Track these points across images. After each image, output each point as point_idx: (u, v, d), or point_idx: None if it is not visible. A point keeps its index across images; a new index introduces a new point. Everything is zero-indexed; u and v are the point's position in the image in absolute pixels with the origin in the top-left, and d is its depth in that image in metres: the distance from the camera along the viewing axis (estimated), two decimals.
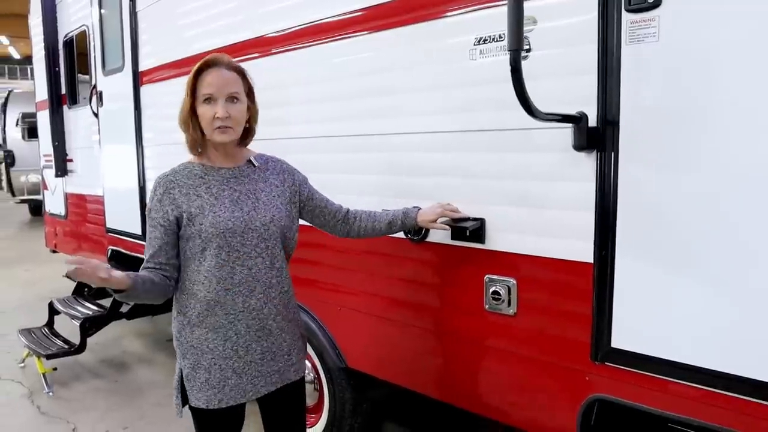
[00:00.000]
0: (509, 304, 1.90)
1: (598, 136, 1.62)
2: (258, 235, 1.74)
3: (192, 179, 1.74)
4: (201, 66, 1.70)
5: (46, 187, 5.81)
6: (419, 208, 2.01)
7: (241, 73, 1.74)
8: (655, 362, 1.59)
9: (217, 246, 1.69)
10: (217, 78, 1.68)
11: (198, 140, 1.73)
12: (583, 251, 1.69)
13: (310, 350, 2.64)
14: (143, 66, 3.80)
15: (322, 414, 2.75)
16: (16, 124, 12.07)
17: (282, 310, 1.82)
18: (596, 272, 1.67)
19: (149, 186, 3.88)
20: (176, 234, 1.72)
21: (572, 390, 1.79)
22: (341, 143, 2.41)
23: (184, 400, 1.80)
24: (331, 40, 2.38)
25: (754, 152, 1.38)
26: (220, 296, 1.71)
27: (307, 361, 2.63)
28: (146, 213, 1.75)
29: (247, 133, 1.80)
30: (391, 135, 2.21)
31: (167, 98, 3.59)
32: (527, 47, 1.74)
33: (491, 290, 1.94)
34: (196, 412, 1.79)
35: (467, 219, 1.96)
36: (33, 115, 11.82)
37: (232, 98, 1.70)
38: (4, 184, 12.90)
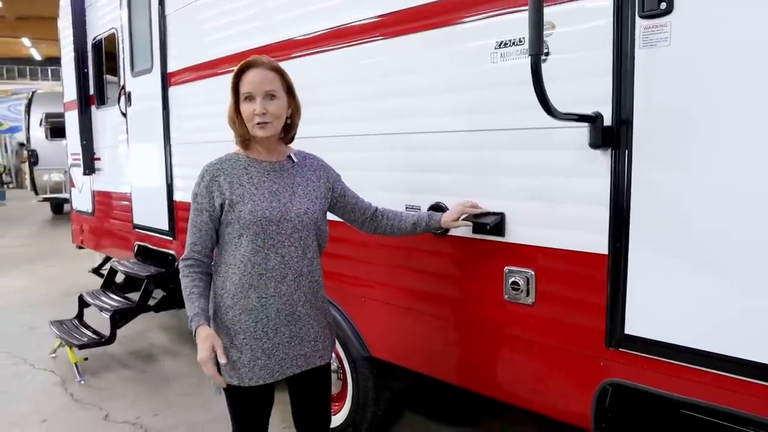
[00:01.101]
0: (528, 294, 2.01)
1: (613, 135, 1.72)
2: (292, 225, 1.86)
3: (236, 169, 1.87)
4: (241, 67, 1.83)
5: (73, 185, 6.00)
6: (443, 211, 2.14)
7: (279, 72, 1.86)
8: (667, 347, 1.69)
9: (254, 233, 1.82)
10: (255, 77, 1.81)
11: (245, 135, 1.87)
12: (598, 243, 1.79)
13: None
14: (171, 68, 3.95)
15: (346, 402, 2.87)
16: (40, 124, 12.34)
17: (311, 298, 1.94)
18: (610, 263, 1.77)
19: (176, 183, 4.04)
20: (218, 220, 1.86)
21: (587, 375, 1.89)
22: (367, 142, 2.53)
23: None
24: (358, 44, 2.49)
25: (760, 151, 1.48)
26: (253, 280, 1.84)
27: None
28: (192, 198, 1.88)
29: (290, 129, 1.93)
30: (416, 134, 2.32)
31: (195, 99, 3.74)
32: (546, 51, 1.85)
33: (510, 281, 2.04)
34: (229, 390, 1.91)
35: (488, 214, 2.07)
36: (56, 115, 12.17)
37: (269, 95, 1.82)
38: (28, 182, 13.18)
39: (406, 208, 2.38)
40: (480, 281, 2.16)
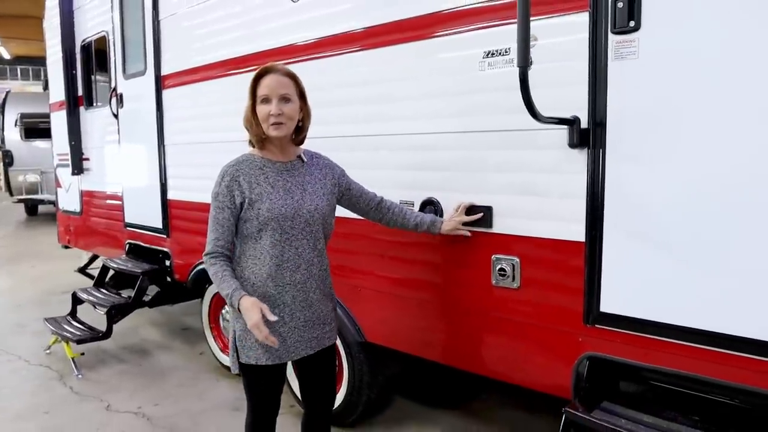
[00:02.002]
0: (513, 279, 2.23)
1: (589, 137, 1.96)
2: (304, 220, 2.05)
3: (253, 169, 2.04)
4: (260, 72, 2.01)
5: (59, 185, 6.05)
6: (435, 207, 2.40)
7: (293, 78, 2.05)
8: (636, 322, 1.93)
9: (272, 228, 2.00)
10: (272, 81, 1.99)
11: (261, 135, 2.03)
12: (577, 232, 2.03)
13: None
14: (166, 71, 4.08)
15: (342, 386, 3.05)
16: (15, 125, 12.21)
17: (321, 285, 2.14)
18: (587, 250, 2.00)
19: (170, 183, 4.17)
20: (238, 216, 2.03)
21: (567, 350, 2.12)
22: (368, 142, 2.72)
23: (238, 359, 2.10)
24: (360, 51, 2.68)
25: (717, 149, 1.73)
26: (271, 270, 2.02)
27: None
28: (213, 197, 2.03)
29: (300, 131, 2.11)
30: (412, 135, 2.52)
31: (189, 101, 3.88)
32: (530, 62, 2.07)
33: (498, 268, 2.26)
34: (246, 369, 2.09)
35: (478, 211, 2.30)
36: (32, 116, 12.08)
37: (284, 98, 2.00)
38: (2, 183, 13.02)
39: (401, 203, 2.58)
40: (470, 269, 2.38)
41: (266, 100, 1.98)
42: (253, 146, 2.10)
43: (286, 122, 2.01)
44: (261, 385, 2.13)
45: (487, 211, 2.27)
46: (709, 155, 1.74)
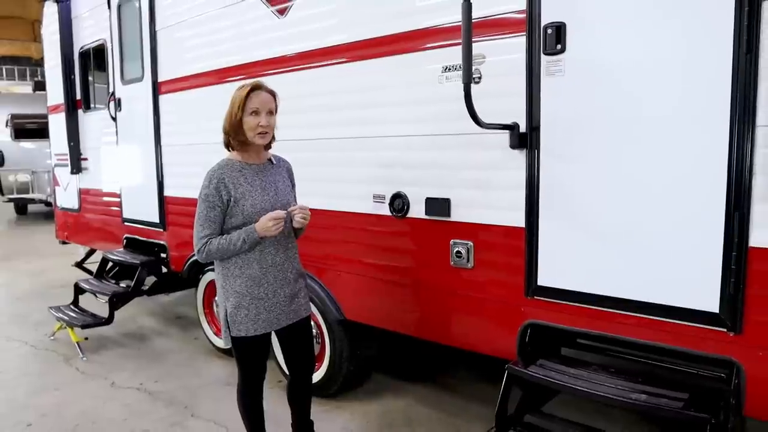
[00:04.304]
0: (468, 260, 2.63)
1: (527, 139, 2.36)
2: None
3: (234, 172, 2.41)
4: (252, 88, 2.37)
5: (57, 184, 6.37)
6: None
7: (274, 95, 2.43)
8: (567, 293, 2.34)
9: (255, 221, 2.37)
10: (262, 97, 2.37)
11: (246, 142, 2.40)
12: (518, 219, 2.43)
13: (314, 309, 3.33)
14: (162, 77, 4.44)
15: (324, 361, 3.44)
16: (6, 125, 12.43)
17: (295, 266, 2.55)
18: (526, 233, 2.41)
19: (167, 181, 4.53)
20: (225, 212, 2.39)
21: (512, 319, 2.52)
22: (342, 144, 3.11)
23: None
24: (340, 63, 3.07)
25: (624, 148, 2.14)
26: (255, 255, 2.41)
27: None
28: (202, 198, 2.37)
29: (272, 139, 2.49)
30: (381, 138, 2.92)
31: (184, 106, 4.24)
32: (479, 76, 2.47)
33: (455, 251, 2.66)
34: (238, 341, 2.47)
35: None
36: (22, 117, 12.31)
37: (270, 113, 2.39)
38: None
39: (374, 197, 2.97)
40: (432, 252, 2.78)
41: (256, 113, 2.35)
42: (230, 148, 2.46)
43: (270, 132, 2.41)
44: (250, 353, 2.51)
45: (446, 202, 2.67)
46: (618, 153, 2.16)
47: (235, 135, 2.41)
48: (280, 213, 2.33)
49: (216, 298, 4.27)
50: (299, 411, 2.74)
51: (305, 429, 2.77)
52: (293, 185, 2.63)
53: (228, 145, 2.47)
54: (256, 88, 2.38)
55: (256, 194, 2.40)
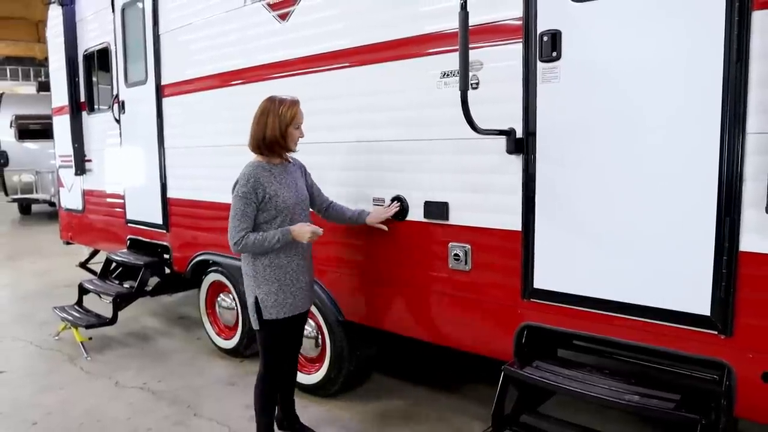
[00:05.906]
0: (466, 263, 2.67)
1: (523, 144, 2.40)
2: (301, 207, 2.73)
3: (265, 172, 2.67)
4: (297, 104, 2.64)
5: (62, 185, 6.43)
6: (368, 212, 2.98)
7: None
8: (563, 296, 2.38)
9: (285, 214, 2.66)
10: (302, 113, 2.70)
11: (286, 149, 2.69)
12: (514, 222, 2.48)
13: (315, 311, 3.38)
14: (165, 80, 4.49)
15: (325, 361, 3.49)
16: (10, 126, 12.52)
17: (310, 256, 2.82)
18: (523, 237, 2.45)
19: (170, 183, 4.58)
20: (258, 208, 2.61)
21: (509, 321, 2.56)
22: (342, 147, 3.16)
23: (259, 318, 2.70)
24: (341, 68, 3.11)
25: (618, 153, 2.18)
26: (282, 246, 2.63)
27: (311, 320, 3.40)
28: (240, 196, 2.60)
29: None
30: (380, 141, 2.96)
31: (188, 108, 4.30)
32: (476, 82, 2.51)
33: (453, 253, 2.71)
34: (269, 324, 2.71)
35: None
36: (26, 117, 12.40)
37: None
38: None
39: (374, 200, 3.02)
40: (430, 255, 2.82)
41: (298, 127, 2.68)
42: (260, 152, 2.67)
43: None
44: (279, 336, 2.76)
45: (444, 206, 2.71)
46: (612, 159, 2.20)
47: (276, 143, 2.64)
48: (319, 230, 2.67)
49: (218, 298, 4.35)
50: (286, 397, 3.03)
51: (291, 417, 3.05)
52: (307, 182, 2.88)
53: (257, 149, 2.68)
54: (298, 104, 2.64)
55: (284, 191, 2.68)
